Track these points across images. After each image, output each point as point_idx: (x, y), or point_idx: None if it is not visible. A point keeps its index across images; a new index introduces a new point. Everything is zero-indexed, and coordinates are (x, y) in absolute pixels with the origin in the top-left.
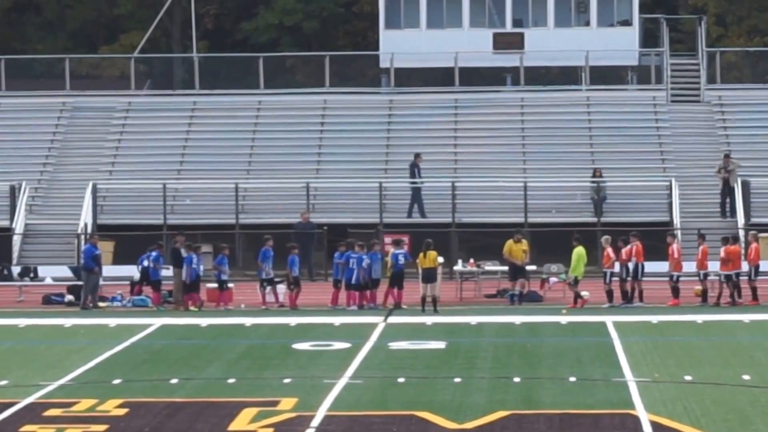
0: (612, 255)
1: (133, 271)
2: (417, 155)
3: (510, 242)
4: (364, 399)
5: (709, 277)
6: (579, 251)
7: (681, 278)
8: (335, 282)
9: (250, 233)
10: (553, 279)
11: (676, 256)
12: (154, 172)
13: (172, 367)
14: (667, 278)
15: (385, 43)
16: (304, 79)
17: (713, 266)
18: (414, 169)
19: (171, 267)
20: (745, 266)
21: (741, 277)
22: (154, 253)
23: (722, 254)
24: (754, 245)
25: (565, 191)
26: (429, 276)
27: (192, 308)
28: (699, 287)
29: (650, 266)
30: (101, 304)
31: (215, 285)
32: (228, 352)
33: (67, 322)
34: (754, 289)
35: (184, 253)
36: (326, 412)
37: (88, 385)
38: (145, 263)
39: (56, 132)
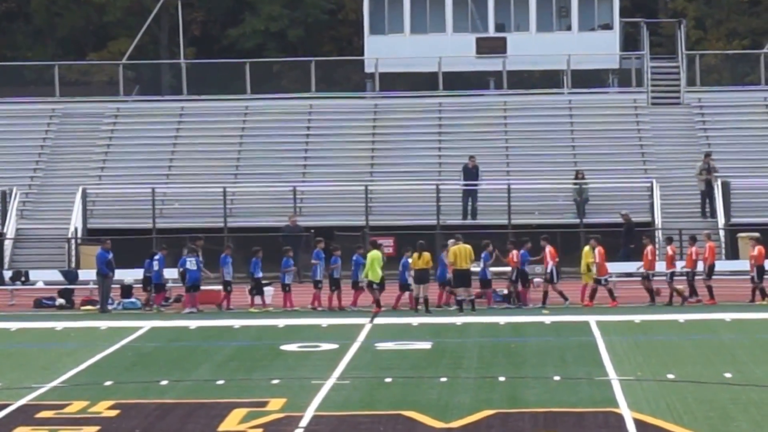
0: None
1: (122, 275)
2: (471, 157)
3: (454, 248)
4: (351, 399)
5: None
6: (374, 255)
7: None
8: (354, 283)
9: (238, 236)
10: (537, 280)
11: (650, 258)
12: (142, 177)
13: (163, 368)
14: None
15: (370, 48)
16: (290, 85)
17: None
18: (470, 171)
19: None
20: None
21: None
22: (158, 256)
23: (670, 252)
24: (708, 245)
25: (548, 193)
26: (422, 277)
27: (253, 309)
28: (682, 287)
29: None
30: (90, 307)
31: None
32: (217, 354)
33: (59, 325)
34: (709, 288)
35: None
36: (314, 412)
37: (79, 387)
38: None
39: (46, 138)
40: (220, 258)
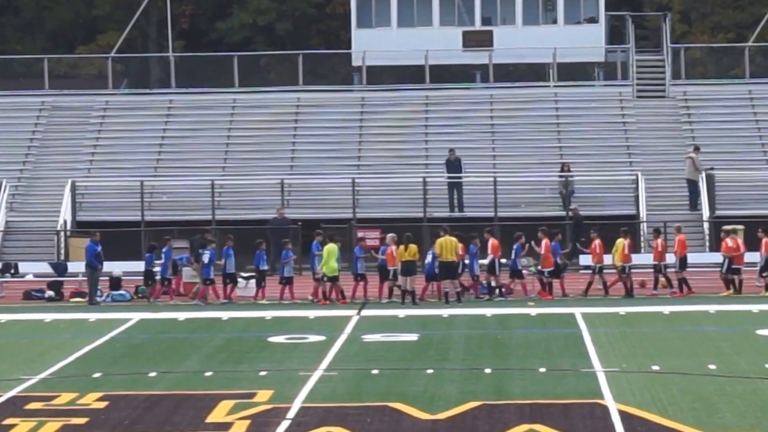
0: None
1: (110, 267)
2: (451, 150)
3: (440, 240)
4: (338, 390)
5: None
6: (330, 248)
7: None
8: (356, 276)
9: (226, 229)
10: (525, 272)
11: (598, 251)
12: (131, 170)
13: (151, 360)
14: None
15: (357, 41)
16: (278, 78)
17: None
18: (452, 164)
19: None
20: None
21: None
22: (164, 249)
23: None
24: (678, 237)
25: (534, 185)
26: (409, 269)
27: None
28: (663, 279)
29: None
30: (79, 299)
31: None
32: (205, 346)
33: (48, 317)
34: (683, 280)
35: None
36: (302, 403)
37: (68, 378)
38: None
39: (35, 131)
40: (222, 251)
